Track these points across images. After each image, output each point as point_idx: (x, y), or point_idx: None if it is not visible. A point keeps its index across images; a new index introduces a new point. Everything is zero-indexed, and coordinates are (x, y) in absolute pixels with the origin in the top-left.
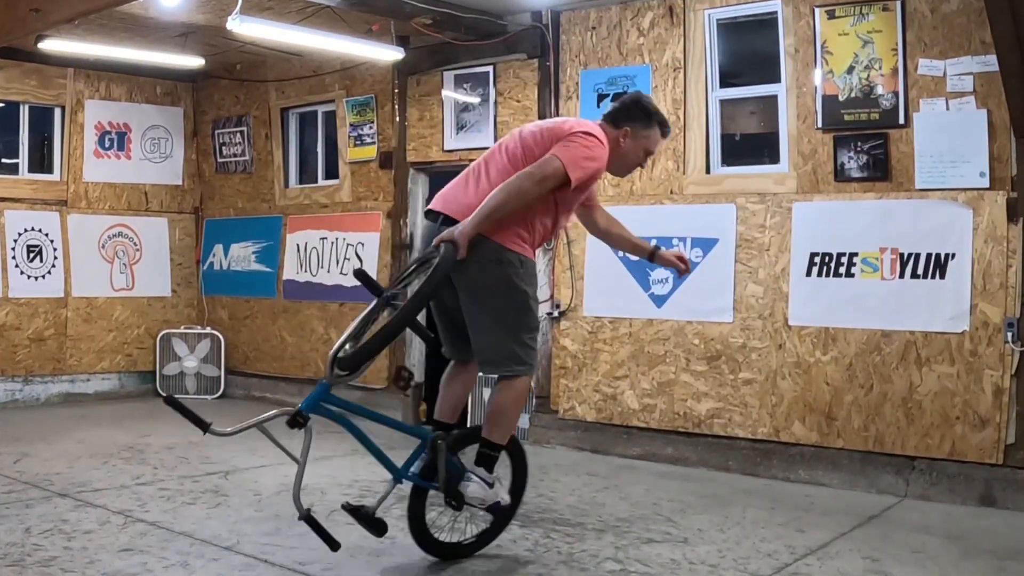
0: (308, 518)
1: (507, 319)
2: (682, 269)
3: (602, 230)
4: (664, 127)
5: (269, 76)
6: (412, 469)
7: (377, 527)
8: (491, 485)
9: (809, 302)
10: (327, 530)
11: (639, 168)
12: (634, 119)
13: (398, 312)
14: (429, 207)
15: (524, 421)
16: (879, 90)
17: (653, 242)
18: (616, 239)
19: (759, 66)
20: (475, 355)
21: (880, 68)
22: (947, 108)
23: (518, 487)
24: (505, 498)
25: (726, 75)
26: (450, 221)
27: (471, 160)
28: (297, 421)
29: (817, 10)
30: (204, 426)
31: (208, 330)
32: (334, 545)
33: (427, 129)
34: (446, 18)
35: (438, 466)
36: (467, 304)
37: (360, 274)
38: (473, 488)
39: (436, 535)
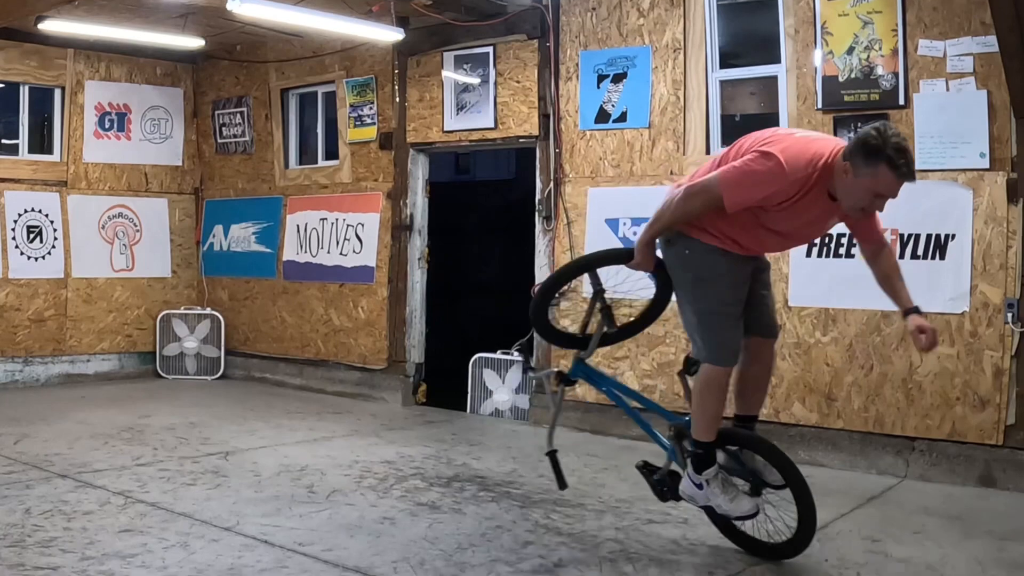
0: (552, 455)
1: (683, 303)
2: (922, 347)
3: (878, 274)
4: (896, 168)
5: (269, 57)
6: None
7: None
8: (700, 486)
9: (809, 283)
10: (562, 471)
11: (877, 210)
12: (855, 155)
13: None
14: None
15: (524, 402)
16: (879, 71)
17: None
18: (887, 287)
19: (759, 47)
20: None
21: (880, 49)
22: (947, 89)
23: (803, 524)
24: (737, 511)
25: (726, 56)
26: None
27: (472, 141)
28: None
29: None
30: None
31: (208, 311)
32: (563, 485)
33: (427, 110)
34: None
35: (677, 455)
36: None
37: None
38: (683, 485)
39: (741, 527)
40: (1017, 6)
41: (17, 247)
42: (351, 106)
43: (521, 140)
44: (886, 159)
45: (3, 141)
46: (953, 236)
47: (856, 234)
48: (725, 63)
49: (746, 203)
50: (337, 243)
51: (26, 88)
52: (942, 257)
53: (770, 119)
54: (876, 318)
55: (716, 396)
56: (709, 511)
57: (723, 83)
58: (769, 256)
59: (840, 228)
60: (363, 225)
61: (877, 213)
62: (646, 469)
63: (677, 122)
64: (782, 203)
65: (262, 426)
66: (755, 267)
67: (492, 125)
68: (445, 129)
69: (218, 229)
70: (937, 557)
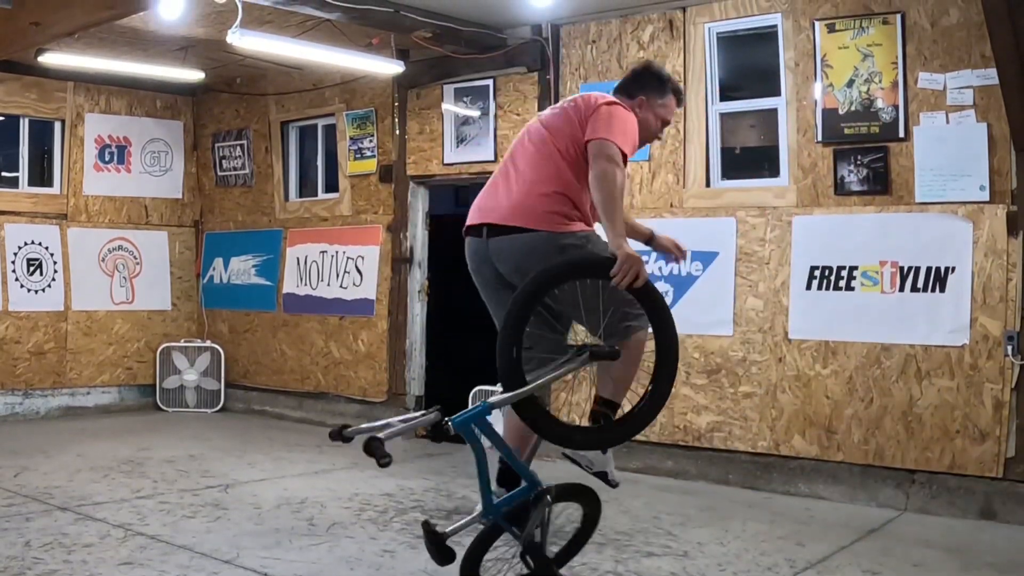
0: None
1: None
2: (678, 256)
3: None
4: (679, 94)
5: (269, 89)
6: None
7: (445, 555)
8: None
9: (809, 315)
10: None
11: (657, 140)
12: (648, 87)
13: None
14: (468, 224)
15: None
16: (879, 103)
17: (654, 255)
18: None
19: (759, 79)
20: None
21: (880, 81)
22: (947, 121)
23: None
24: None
25: (726, 88)
26: (497, 229)
27: (472, 173)
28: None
29: (817, 23)
30: None
31: (208, 343)
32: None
33: (427, 142)
34: (446, 31)
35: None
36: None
37: None
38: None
39: None
40: (1017, 39)
41: (17, 280)
42: (351, 139)
43: None
44: (673, 88)
45: (3, 174)
46: (953, 269)
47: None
48: (725, 96)
49: (635, 149)
50: (337, 276)
51: (26, 121)
52: (942, 290)
53: (770, 152)
54: (876, 351)
55: None
56: None
57: (723, 116)
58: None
59: (840, 260)
60: (363, 258)
61: None
62: (428, 530)
63: (677, 155)
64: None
65: (262, 459)
66: None
67: (492, 158)
68: (445, 162)
69: (218, 262)
70: None
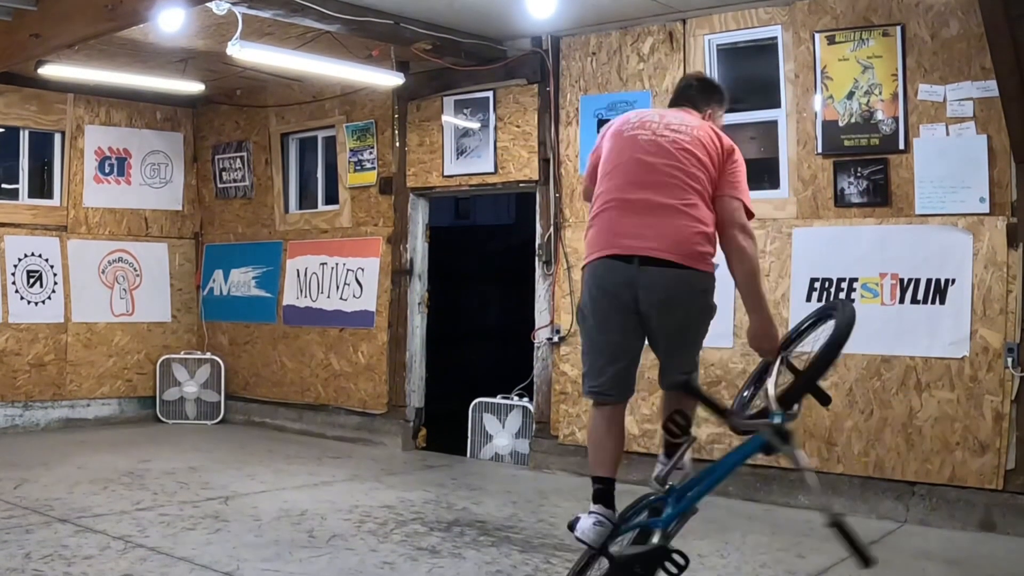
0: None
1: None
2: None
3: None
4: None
5: (269, 101)
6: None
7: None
8: None
9: None
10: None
11: None
12: (714, 100)
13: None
14: (615, 252)
15: (524, 446)
16: (879, 115)
17: None
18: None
19: (759, 91)
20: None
21: (880, 93)
22: (947, 133)
23: None
24: None
25: None
26: (651, 260)
27: (472, 185)
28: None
29: (817, 35)
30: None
31: (208, 355)
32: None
33: (427, 154)
34: (446, 43)
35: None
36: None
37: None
38: None
39: None
40: (1017, 51)
41: (17, 292)
42: (351, 151)
43: (521, 185)
44: (728, 98)
45: (3, 186)
46: (953, 281)
47: None
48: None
49: None
50: (337, 288)
51: (26, 133)
52: (942, 302)
53: (770, 163)
54: (876, 362)
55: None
56: None
57: (723, 127)
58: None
59: (840, 272)
60: (363, 270)
61: None
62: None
63: None
64: None
65: (262, 471)
66: None
67: (492, 170)
68: (445, 174)
69: (218, 274)
70: None
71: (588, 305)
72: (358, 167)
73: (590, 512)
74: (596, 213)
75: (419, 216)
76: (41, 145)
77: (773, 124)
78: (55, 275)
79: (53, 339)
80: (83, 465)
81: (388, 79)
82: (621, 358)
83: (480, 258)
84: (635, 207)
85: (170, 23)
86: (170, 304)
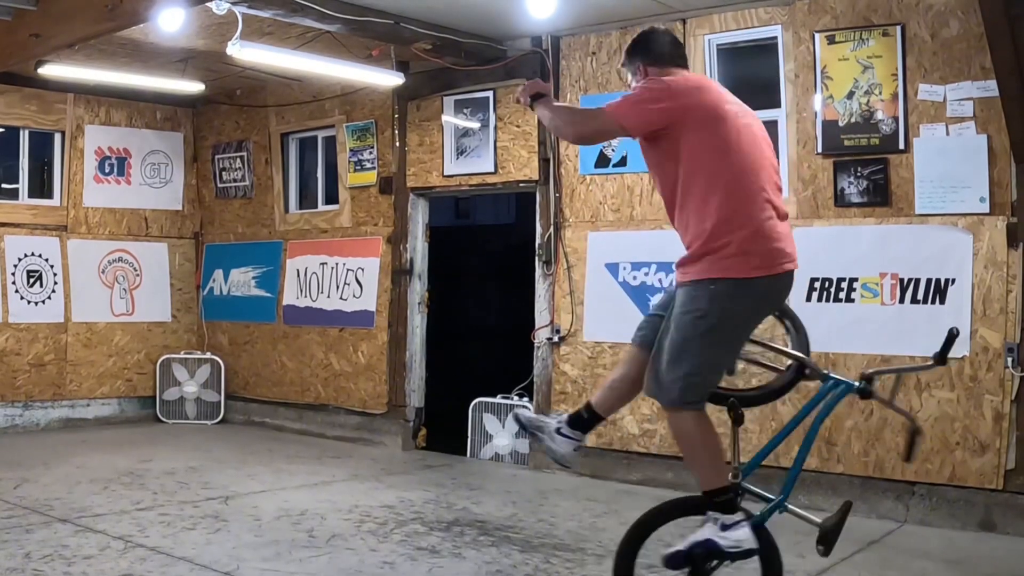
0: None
1: None
2: None
3: None
4: None
5: (269, 101)
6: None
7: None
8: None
9: (809, 327)
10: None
11: None
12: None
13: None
14: (790, 268)
15: (524, 446)
16: (879, 115)
17: (653, 267)
18: None
19: (759, 91)
20: None
21: (880, 93)
22: (947, 133)
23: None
24: None
25: None
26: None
27: (471, 185)
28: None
29: (817, 35)
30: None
31: (208, 355)
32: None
33: (427, 154)
34: (446, 43)
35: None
36: None
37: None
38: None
39: None
40: (1017, 50)
41: (17, 291)
42: (351, 150)
43: (521, 184)
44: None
45: (3, 185)
46: (953, 280)
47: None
48: None
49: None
50: (337, 287)
51: (26, 132)
52: (942, 302)
53: None
54: (876, 362)
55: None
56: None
57: None
58: None
59: (840, 272)
60: (363, 269)
61: None
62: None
63: None
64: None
65: (262, 470)
66: None
67: (492, 169)
68: (445, 173)
69: (218, 273)
70: None
71: (747, 312)
72: (358, 167)
73: (740, 523)
74: (756, 214)
75: (419, 216)
76: (41, 145)
77: (773, 124)
78: (55, 275)
79: (53, 339)
80: (83, 465)
81: (388, 79)
82: None
83: (480, 258)
84: (783, 216)
85: (170, 23)
86: (170, 304)
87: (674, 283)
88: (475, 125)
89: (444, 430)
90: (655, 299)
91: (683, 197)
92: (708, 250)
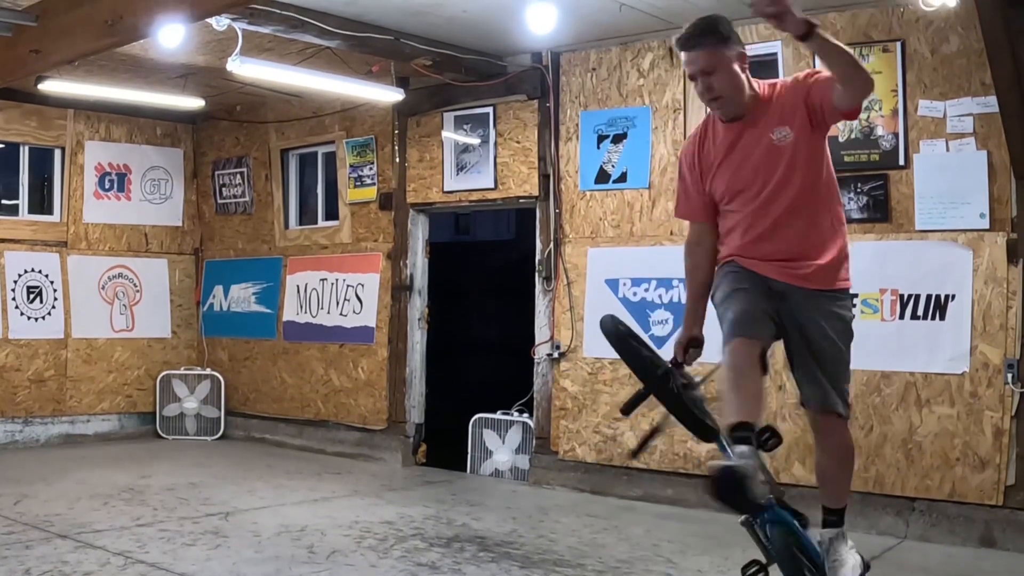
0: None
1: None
2: None
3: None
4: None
5: (269, 117)
6: None
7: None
8: None
9: None
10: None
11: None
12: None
13: None
14: None
15: (524, 462)
16: (879, 131)
17: (653, 283)
18: None
19: None
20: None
21: (880, 109)
22: (947, 149)
23: None
24: None
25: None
26: None
27: (471, 201)
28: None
29: None
30: None
31: (208, 371)
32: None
33: (427, 170)
34: (446, 59)
35: None
36: None
37: None
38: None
39: None
40: (1017, 66)
41: (17, 307)
42: (351, 166)
43: (521, 200)
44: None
45: (3, 201)
46: (953, 296)
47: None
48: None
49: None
50: (337, 303)
51: (26, 148)
52: (942, 318)
53: None
54: (876, 378)
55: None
56: None
57: None
58: None
59: None
60: (363, 285)
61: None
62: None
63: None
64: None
65: (262, 486)
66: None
67: (492, 185)
68: (445, 189)
69: (218, 289)
70: None
71: None
72: (358, 183)
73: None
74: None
75: (419, 232)
76: (41, 161)
77: None
78: (55, 291)
79: (53, 355)
80: (83, 481)
81: (388, 95)
82: None
83: (480, 274)
84: None
85: (170, 39)
86: (170, 320)
87: (785, 280)
88: (475, 141)
89: (444, 446)
90: (727, 290)
91: (827, 199)
92: (846, 256)
